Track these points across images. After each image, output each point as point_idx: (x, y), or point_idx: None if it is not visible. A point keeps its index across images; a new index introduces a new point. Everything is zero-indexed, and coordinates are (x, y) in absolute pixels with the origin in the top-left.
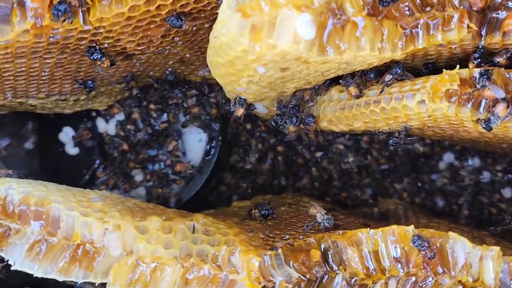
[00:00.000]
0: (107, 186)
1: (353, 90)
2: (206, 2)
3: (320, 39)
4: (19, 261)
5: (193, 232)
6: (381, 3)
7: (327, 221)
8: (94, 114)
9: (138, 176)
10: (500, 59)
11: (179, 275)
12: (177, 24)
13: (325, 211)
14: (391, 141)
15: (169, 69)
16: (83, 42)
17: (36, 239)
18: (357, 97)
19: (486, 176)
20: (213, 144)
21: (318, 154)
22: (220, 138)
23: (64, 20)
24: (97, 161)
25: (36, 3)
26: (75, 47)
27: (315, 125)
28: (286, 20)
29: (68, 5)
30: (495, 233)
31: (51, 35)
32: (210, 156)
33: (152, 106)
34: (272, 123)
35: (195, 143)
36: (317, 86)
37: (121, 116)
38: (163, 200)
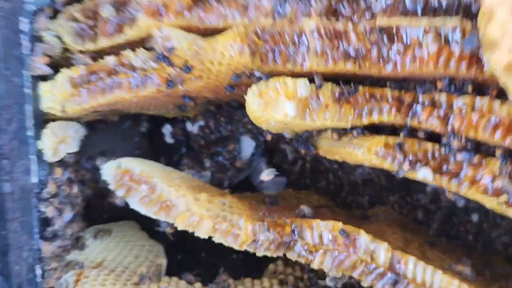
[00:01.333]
0: (187, 167)
1: (335, 135)
2: None
3: (301, 115)
4: (134, 205)
5: (223, 205)
6: (345, 94)
7: (306, 211)
8: (185, 118)
9: (207, 163)
10: (421, 135)
11: (211, 226)
12: (231, 90)
13: (308, 208)
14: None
15: (232, 99)
16: (181, 93)
17: (144, 195)
18: (338, 139)
19: (461, 202)
20: (258, 149)
21: (335, 165)
22: (263, 146)
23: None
24: (184, 149)
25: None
26: (178, 94)
27: (315, 152)
28: (281, 103)
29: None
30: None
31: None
32: (255, 157)
33: (222, 118)
34: (294, 144)
35: (247, 147)
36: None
37: (202, 122)
38: (219, 182)
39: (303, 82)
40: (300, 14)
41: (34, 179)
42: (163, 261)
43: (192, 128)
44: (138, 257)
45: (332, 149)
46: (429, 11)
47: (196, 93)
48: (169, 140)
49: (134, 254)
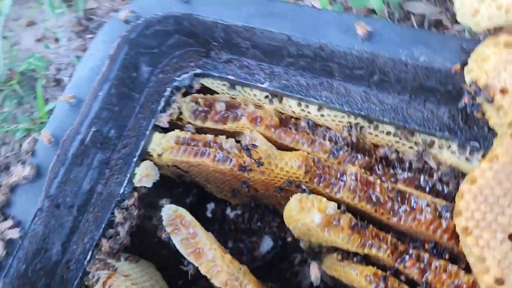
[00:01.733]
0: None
1: (339, 257)
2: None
3: (323, 227)
4: (176, 242)
5: (240, 269)
6: (359, 226)
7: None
8: (228, 204)
9: (230, 244)
10: (402, 277)
11: (225, 279)
12: (278, 191)
13: None
14: None
15: (271, 203)
16: (243, 180)
17: (186, 237)
18: (341, 260)
19: None
20: (274, 250)
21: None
22: (279, 249)
23: None
24: (216, 227)
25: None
26: (240, 179)
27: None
28: (313, 212)
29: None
30: None
31: (237, 174)
32: (269, 254)
33: (256, 215)
34: (304, 254)
35: (266, 244)
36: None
37: (239, 212)
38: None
39: (333, 204)
40: (347, 160)
41: (121, 190)
42: (163, 283)
43: (230, 213)
44: (150, 278)
45: (333, 267)
46: (434, 191)
47: (253, 184)
48: (208, 214)
49: (151, 283)
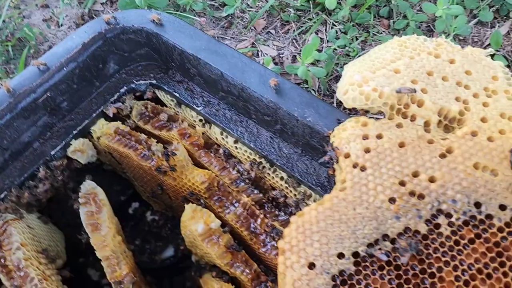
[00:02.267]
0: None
1: (214, 274)
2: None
3: (203, 237)
4: (81, 213)
5: (124, 252)
6: (234, 247)
7: None
8: (151, 208)
9: (137, 242)
10: None
11: (108, 254)
12: (184, 201)
13: None
14: None
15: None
16: (159, 182)
17: (91, 211)
18: (214, 276)
19: None
20: (172, 258)
21: None
22: (177, 260)
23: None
24: (132, 223)
25: None
26: (156, 181)
27: (199, 278)
28: (199, 223)
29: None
30: None
31: (153, 174)
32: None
33: (168, 225)
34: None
35: (168, 252)
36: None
37: (156, 217)
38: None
39: (217, 222)
40: (245, 191)
41: (52, 152)
42: (62, 249)
43: (149, 216)
44: (52, 240)
45: (207, 281)
46: None
47: (166, 189)
48: (130, 211)
49: (50, 244)
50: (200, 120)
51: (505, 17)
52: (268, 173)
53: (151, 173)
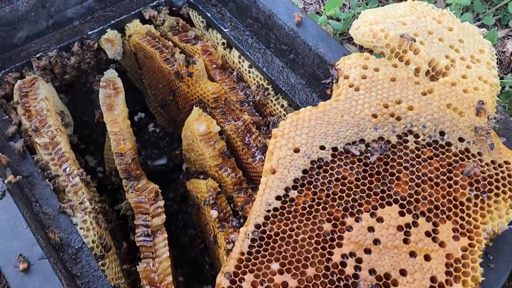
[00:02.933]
0: None
1: (201, 176)
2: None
3: (202, 138)
4: (100, 94)
5: (131, 134)
6: (227, 153)
7: None
8: (155, 121)
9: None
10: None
11: (118, 130)
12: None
13: None
14: None
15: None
16: (172, 88)
17: (110, 94)
18: (200, 174)
19: None
20: (164, 166)
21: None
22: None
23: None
24: (135, 129)
25: None
26: (170, 88)
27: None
28: (202, 124)
29: None
30: None
31: (170, 78)
32: (160, 168)
33: (167, 139)
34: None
35: (161, 160)
36: None
37: (157, 130)
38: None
39: (218, 128)
40: (247, 112)
41: (89, 32)
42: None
43: (151, 127)
44: (66, 110)
45: (193, 181)
46: None
47: (178, 96)
48: (135, 119)
49: (64, 108)
50: (223, 44)
51: (505, 26)
52: (271, 100)
53: (168, 78)
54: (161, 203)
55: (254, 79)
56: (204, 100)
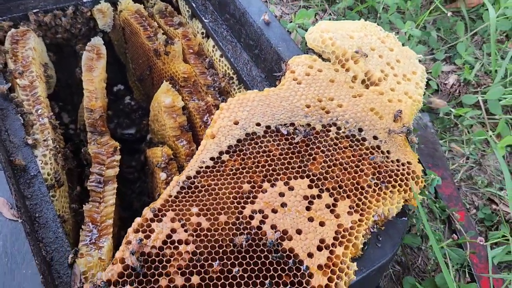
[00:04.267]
0: None
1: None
2: None
3: (166, 112)
4: (84, 57)
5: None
6: (185, 129)
7: None
8: (132, 95)
9: (110, 112)
10: None
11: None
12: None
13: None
14: None
15: None
16: (149, 64)
17: (91, 57)
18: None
19: None
20: (132, 136)
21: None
22: (137, 137)
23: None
24: (112, 98)
25: None
26: (148, 63)
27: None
28: (167, 97)
29: None
30: None
31: (149, 55)
32: (128, 136)
33: (140, 112)
34: (146, 145)
35: (130, 130)
36: None
37: (132, 103)
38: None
39: (182, 103)
40: (211, 95)
41: (84, 0)
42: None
43: (127, 99)
44: (50, 65)
45: (152, 149)
46: None
47: (154, 71)
48: (114, 89)
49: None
50: (202, 33)
51: (453, 64)
52: (234, 88)
53: (148, 54)
54: (117, 157)
55: (223, 68)
56: (175, 78)
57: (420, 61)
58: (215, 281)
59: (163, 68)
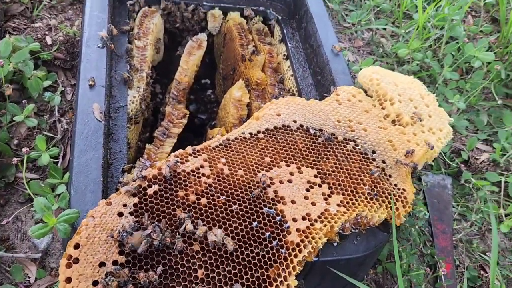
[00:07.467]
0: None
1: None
2: None
3: (237, 101)
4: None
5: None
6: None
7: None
8: (214, 89)
9: (192, 96)
10: None
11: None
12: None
13: None
14: None
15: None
16: None
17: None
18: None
19: None
20: (200, 119)
21: None
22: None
23: None
24: (199, 89)
25: None
26: None
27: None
28: (238, 91)
29: None
30: None
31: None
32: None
33: (215, 103)
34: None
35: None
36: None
37: (212, 96)
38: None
39: (248, 100)
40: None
41: (204, 3)
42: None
43: (209, 92)
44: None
45: (212, 129)
46: None
47: (237, 73)
48: (202, 81)
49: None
50: (284, 55)
51: (491, 146)
52: None
53: (236, 58)
54: (185, 121)
55: (290, 85)
56: (250, 80)
57: (452, 126)
58: (217, 207)
59: (244, 71)
